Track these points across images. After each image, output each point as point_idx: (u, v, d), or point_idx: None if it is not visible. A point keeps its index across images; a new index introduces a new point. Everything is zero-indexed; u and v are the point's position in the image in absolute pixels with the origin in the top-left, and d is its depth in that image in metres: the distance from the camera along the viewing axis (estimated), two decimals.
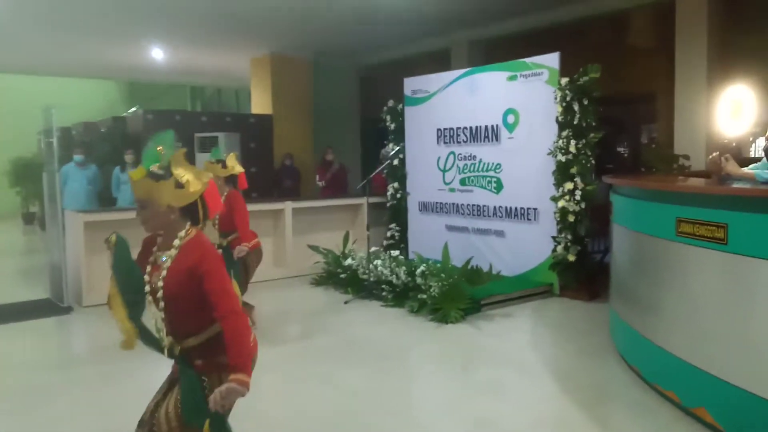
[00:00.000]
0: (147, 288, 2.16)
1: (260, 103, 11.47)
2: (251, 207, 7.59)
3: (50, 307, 6.25)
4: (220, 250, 4.86)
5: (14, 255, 10.46)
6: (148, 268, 2.18)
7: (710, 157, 3.50)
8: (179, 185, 2.12)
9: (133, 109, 15.98)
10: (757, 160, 3.59)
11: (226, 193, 4.86)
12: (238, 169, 4.96)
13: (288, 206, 7.57)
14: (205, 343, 2.16)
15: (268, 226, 7.64)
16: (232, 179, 4.92)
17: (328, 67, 11.69)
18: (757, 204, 2.83)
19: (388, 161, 7.69)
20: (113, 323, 2.21)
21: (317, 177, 9.73)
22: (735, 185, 3.17)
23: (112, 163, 9.37)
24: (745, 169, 3.28)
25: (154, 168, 2.11)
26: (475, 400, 3.74)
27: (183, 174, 2.14)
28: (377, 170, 7.43)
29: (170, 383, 2.28)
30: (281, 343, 5.01)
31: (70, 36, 9.73)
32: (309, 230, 7.72)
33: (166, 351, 2.21)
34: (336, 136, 11.60)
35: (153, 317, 2.17)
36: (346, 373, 4.24)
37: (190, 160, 9.35)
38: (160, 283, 2.11)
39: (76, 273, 6.31)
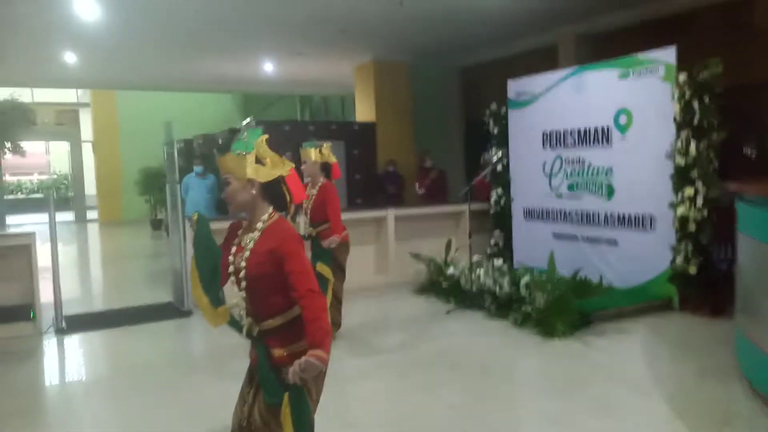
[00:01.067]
0: (231, 268, 2.25)
1: (364, 110, 11.65)
2: (355, 214, 7.79)
3: (172, 311, 6.68)
4: (310, 240, 4.99)
5: (142, 258, 11.32)
6: (233, 249, 2.28)
7: None
8: (259, 161, 2.22)
9: (248, 120, 16.85)
10: None
11: (320, 183, 4.91)
12: (333, 158, 5.00)
13: (390, 213, 7.60)
14: (284, 326, 2.22)
15: (370, 234, 7.72)
16: (326, 167, 4.95)
17: (428, 70, 11.64)
18: None
19: (491, 167, 7.50)
20: (227, 328, 2.33)
21: (417, 185, 9.69)
22: None
23: None
24: None
25: (239, 150, 2.22)
26: (582, 421, 3.53)
27: (265, 155, 2.25)
28: (479, 176, 7.27)
29: (251, 380, 2.34)
30: (381, 352, 5.03)
31: (186, 53, 10.40)
32: (411, 237, 7.71)
33: (245, 331, 2.29)
34: (438, 140, 11.52)
35: (235, 298, 2.27)
36: (447, 386, 4.17)
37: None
38: (243, 264, 2.21)
39: None
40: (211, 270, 2.26)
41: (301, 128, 11.25)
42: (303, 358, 2.05)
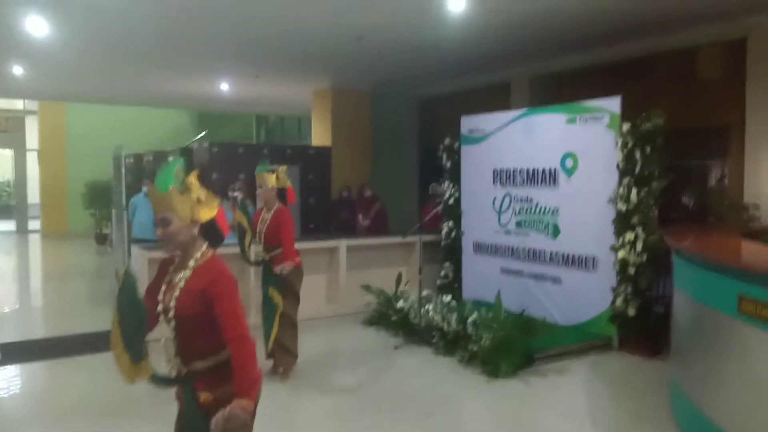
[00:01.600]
0: (160, 307, 2.22)
1: (320, 135, 11.68)
2: (308, 244, 7.77)
3: None
4: (262, 264, 5.01)
5: (87, 278, 10.95)
6: (163, 288, 2.24)
7: None
8: (200, 200, 2.21)
9: (200, 135, 16.61)
10: None
11: (275, 208, 4.93)
12: (288, 183, 5.03)
13: (343, 244, 7.62)
14: (213, 369, 2.19)
15: (322, 263, 7.71)
16: (281, 193, 4.98)
17: (386, 98, 11.78)
18: None
19: (440, 204, 7.61)
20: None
21: (360, 216, 9.62)
22: None
23: None
24: None
25: (177, 185, 2.19)
26: None
27: (199, 192, 2.24)
28: (430, 213, 7.39)
29: (180, 422, 2.30)
30: (327, 392, 5.01)
31: (141, 70, 10.21)
32: (363, 267, 7.74)
33: (173, 372, 2.24)
34: (393, 168, 11.65)
35: (163, 337, 2.23)
36: (394, 429, 4.18)
37: (252, 192, 9.49)
38: (173, 303, 2.17)
39: None
40: (134, 327, 2.18)
41: (256, 151, 11.15)
42: (227, 408, 2.02)
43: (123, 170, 6.85)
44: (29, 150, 18.62)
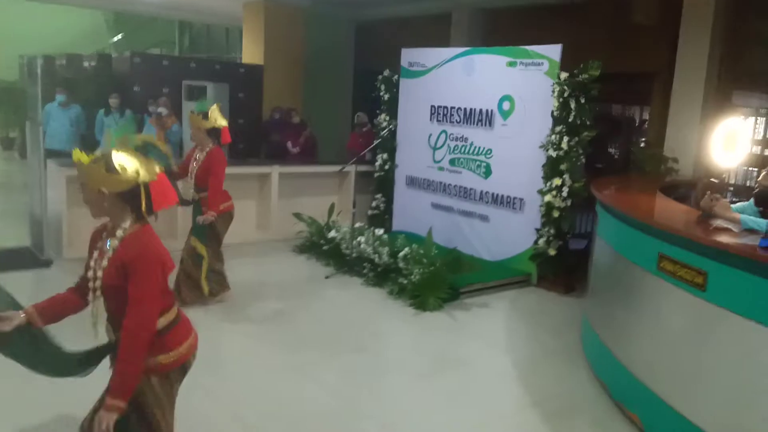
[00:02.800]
0: (90, 274, 2.20)
1: (251, 52, 11.17)
2: (240, 169, 7.59)
3: (30, 258, 6.24)
4: (193, 204, 5.00)
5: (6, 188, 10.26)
6: (95, 254, 2.22)
7: (702, 193, 3.54)
8: (111, 169, 2.11)
9: (118, 37, 15.47)
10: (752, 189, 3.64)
11: (208, 149, 4.85)
12: (222, 122, 4.87)
13: (275, 170, 7.52)
14: None
15: (253, 189, 7.61)
16: (214, 132, 4.86)
17: (323, 18, 11.34)
18: (736, 259, 2.91)
19: (380, 138, 7.59)
20: None
21: (289, 143, 9.35)
22: (720, 231, 3.23)
23: (97, 106, 9.12)
24: (734, 212, 3.34)
25: (98, 153, 2.15)
26: (442, 405, 3.85)
27: (121, 160, 2.13)
28: (357, 141, 7.37)
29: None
30: (256, 322, 5.07)
31: None
32: (295, 194, 7.70)
33: (96, 335, 2.26)
34: (326, 92, 11.39)
35: (91, 305, 2.24)
36: (321, 364, 4.31)
37: (177, 107, 9.10)
38: (99, 273, 2.16)
39: (57, 224, 6.27)
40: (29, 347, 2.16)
41: (182, 64, 10.59)
42: (101, 411, 2.06)
43: (39, 77, 6.29)
44: None
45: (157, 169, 2.20)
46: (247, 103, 10.47)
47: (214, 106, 4.91)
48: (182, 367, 2.32)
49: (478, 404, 3.91)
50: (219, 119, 4.86)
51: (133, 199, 2.15)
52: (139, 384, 2.14)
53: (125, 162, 2.13)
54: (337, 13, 11.35)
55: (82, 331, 2.34)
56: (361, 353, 4.57)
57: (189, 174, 4.91)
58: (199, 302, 5.07)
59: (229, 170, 7.38)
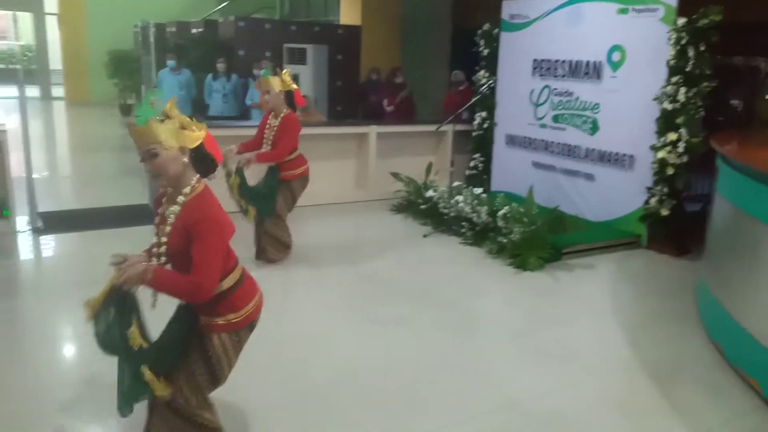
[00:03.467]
0: (155, 240, 2.23)
1: (349, 12, 11.19)
2: (337, 129, 7.69)
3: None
4: (270, 169, 4.97)
5: (115, 150, 11.00)
6: (157, 220, 2.24)
7: None
8: (185, 125, 2.14)
9: (223, 4, 15.94)
10: None
11: (283, 114, 4.79)
12: (293, 85, 4.86)
13: (372, 130, 7.53)
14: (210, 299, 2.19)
15: (351, 148, 7.68)
16: (288, 96, 4.82)
17: None
18: None
19: (479, 94, 7.39)
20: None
21: (385, 101, 9.32)
22: None
23: (205, 70, 9.52)
24: None
25: (159, 116, 2.12)
26: (539, 362, 3.76)
27: (180, 118, 2.15)
28: (452, 100, 7.19)
29: (175, 336, 2.37)
30: (350, 277, 5.13)
31: None
32: (392, 154, 7.69)
33: (154, 304, 2.31)
34: (423, 51, 11.21)
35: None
36: (416, 316, 4.33)
37: (280, 69, 9.30)
38: (164, 239, 2.18)
39: None
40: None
41: (283, 27, 10.77)
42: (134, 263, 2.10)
43: (152, 44, 6.63)
44: (48, 14, 18.12)
45: (203, 127, 2.22)
46: (344, 65, 10.54)
47: (285, 71, 4.91)
48: (250, 325, 2.38)
49: (578, 363, 3.78)
50: (291, 82, 4.84)
51: (200, 157, 2.17)
52: (209, 339, 2.26)
53: (184, 120, 2.15)
54: None
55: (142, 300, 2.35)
56: (455, 308, 4.53)
57: (264, 142, 4.89)
58: (286, 259, 5.20)
59: (327, 130, 7.59)
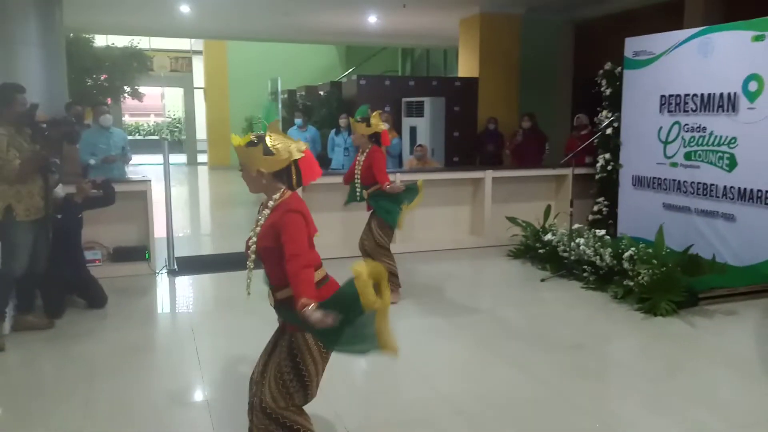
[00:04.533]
0: (250, 241, 2.40)
1: (467, 66, 11.34)
2: (452, 174, 7.71)
3: None
4: (366, 202, 5.21)
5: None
6: (254, 225, 2.42)
7: None
8: (268, 152, 2.30)
9: (348, 71, 16.93)
10: None
11: (368, 149, 5.08)
12: (381, 127, 5.12)
13: (488, 175, 7.44)
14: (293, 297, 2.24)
15: (467, 194, 7.63)
16: (374, 136, 5.10)
17: (539, 23, 11.06)
18: None
19: (600, 131, 7.11)
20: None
21: (506, 144, 9.47)
22: None
23: (329, 127, 10.02)
24: None
25: (253, 136, 2.34)
26: (679, 406, 3.38)
27: (275, 142, 2.33)
28: (573, 143, 6.92)
29: (274, 342, 2.49)
30: (470, 313, 5.04)
31: (293, 4, 10.48)
32: (508, 199, 7.54)
33: (248, 294, 2.43)
34: (544, 99, 11.04)
35: (248, 266, 2.38)
36: (536, 357, 4.10)
37: (397, 123, 9.62)
38: (254, 238, 2.37)
39: None
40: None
41: (402, 82, 11.16)
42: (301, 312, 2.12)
43: (279, 101, 7.13)
44: (196, 88, 20.22)
45: (303, 147, 2.39)
46: (462, 115, 10.63)
47: (376, 113, 5.17)
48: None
49: (720, 416, 3.32)
50: (380, 124, 5.10)
51: (286, 175, 2.37)
52: (294, 337, 2.31)
53: (278, 144, 2.33)
54: (553, 15, 11.01)
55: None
56: (578, 351, 4.22)
57: (355, 176, 5.18)
58: (398, 297, 5.17)
59: (443, 176, 7.62)
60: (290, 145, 2.35)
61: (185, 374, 3.92)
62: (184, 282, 6.09)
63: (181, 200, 13.23)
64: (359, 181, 5.16)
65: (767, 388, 3.61)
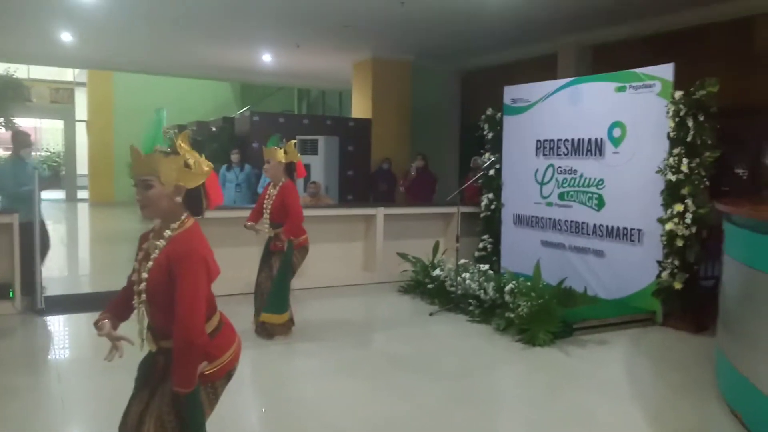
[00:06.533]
0: (135, 277, 2.08)
1: (360, 107, 11.62)
2: (345, 211, 7.77)
3: None
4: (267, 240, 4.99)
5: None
6: (140, 255, 2.10)
7: None
8: (187, 164, 2.03)
9: (244, 110, 16.78)
10: None
11: (281, 183, 4.83)
12: (297, 156, 4.92)
13: (380, 212, 7.56)
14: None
15: (359, 231, 7.70)
16: (289, 167, 4.87)
17: (428, 70, 11.64)
18: None
19: (483, 171, 7.50)
20: None
21: (400, 182, 9.81)
22: None
23: (219, 162, 9.80)
24: None
25: (160, 148, 2.06)
26: (558, 430, 3.52)
27: (190, 155, 2.06)
28: (468, 181, 7.24)
29: (151, 387, 2.15)
30: (360, 348, 5.05)
31: (185, 38, 10.32)
32: (400, 236, 7.68)
33: (143, 346, 2.15)
34: (434, 141, 11.52)
35: (137, 309, 2.11)
36: (424, 387, 4.14)
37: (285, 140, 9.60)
38: (145, 275, 2.03)
39: None
40: None
41: (296, 120, 11.22)
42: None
43: (162, 134, 6.91)
44: (78, 121, 19.15)
45: (208, 165, 2.12)
46: (355, 155, 10.82)
47: (290, 143, 4.98)
48: (227, 375, 2.20)
49: (597, 428, 3.51)
50: (295, 153, 4.92)
51: (195, 196, 2.08)
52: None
53: (192, 158, 2.06)
54: (440, 64, 11.59)
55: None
56: (463, 380, 4.32)
57: (264, 210, 4.93)
58: (288, 334, 5.09)
59: (336, 212, 7.66)
60: (201, 159, 2.11)
61: (48, 425, 3.58)
62: (52, 322, 5.62)
63: (56, 237, 12.32)
64: (269, 218, 4.87)
65: (637, 411, 3.85)
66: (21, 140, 6.24)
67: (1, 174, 5.92)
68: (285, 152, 4.87)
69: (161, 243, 2.03)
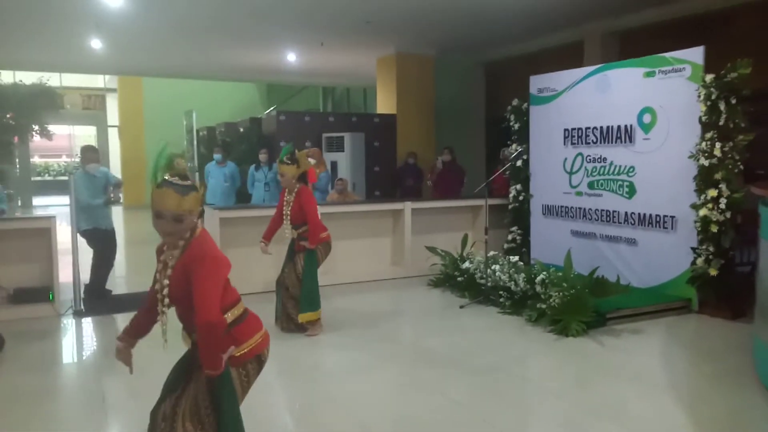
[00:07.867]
0: (157, 286, 2.30)
1: (385, 103, 11.62)
2: (373, 206, 7.80)
3: None
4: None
5: None
6: (159, 267, 2.32)
7: None
8: (192, 189, 2.26)
9: (270, 110, 16.94)
10: None
11: (296, 189, 5.08)
12: (307, 165, 5.16)
13: (407, 206, 7.57)
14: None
15: (387, 226, 7.71)
16: (301, 176, 5.13)
17: (451, 64, 11.59)
18: None
19: (510, 162, 7.44)
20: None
21: (428, 175, 9.78)
22: None
23: (248, 162, 9.93)
24: None
25: (173, 179, 2.22)
26: (591, 422, 3.49)
27: (191, 180, 2.28)
28: (496, 173, 7.19)
29: (188, 373, 2.36)
30: (391, 342, 5.07)
31: (212, 41, 10.44)
32: (428, 230, 7.68)
33: (185, 343, 2.39)
34: (459, 134, 11.46)
35: (160, 315, 2.32)
36: (455, 381, 4.14)
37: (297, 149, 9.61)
38: (166, 281, 2.26)
39: None
40: None
41: (322, 119, 11.27)
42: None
43: (195, 137, 7.02)
44: (110, 126, 19.56)
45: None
46: (381, 151, 10.84)
47: (302, 153, 5.20)
48: (258, 358, 2.36)
49: (630, 419, 3.48)
50: (306, 163, 5.14)
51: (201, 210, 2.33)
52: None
53: (192, 180, 2.30)
54: (464, 57, 11.53)
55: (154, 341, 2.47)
56: (495, 373, 4.30)
57: (284, 217, 5.16)
58: (318, 330, 5.17)
59: (363, 207, 7.70)
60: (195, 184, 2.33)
61: (90, 423, 3.68)
62: (91, 323, 5.77)
63: None
64: (289, 221, 5.12)
65: (672, 401, 3.80)
66: (87, 156, 6.42)
67: (76, 188, 6.11)
68: (297, 167, 5.05)
69: (176, 252, 2.27)
